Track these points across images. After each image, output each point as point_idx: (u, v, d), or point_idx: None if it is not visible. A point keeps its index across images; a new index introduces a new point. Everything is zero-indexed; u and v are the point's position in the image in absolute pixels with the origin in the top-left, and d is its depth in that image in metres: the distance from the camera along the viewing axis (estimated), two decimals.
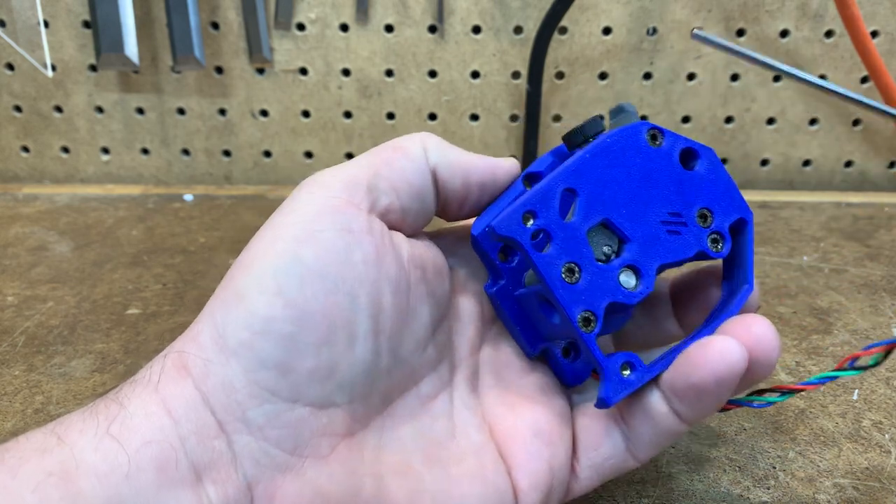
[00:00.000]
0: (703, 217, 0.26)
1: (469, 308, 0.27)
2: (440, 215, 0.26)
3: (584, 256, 0.24)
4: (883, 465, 0.29)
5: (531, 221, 0.24)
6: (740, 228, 0.27)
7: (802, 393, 0.32)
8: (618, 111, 0.28)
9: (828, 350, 0.38)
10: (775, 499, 0.27)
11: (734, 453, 0.30)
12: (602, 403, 0.24)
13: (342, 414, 0.22)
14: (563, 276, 0.24)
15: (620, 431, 0.24)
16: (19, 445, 0.19)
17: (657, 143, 0.26)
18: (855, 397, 0.33)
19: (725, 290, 0.27)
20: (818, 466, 0.29)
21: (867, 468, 0.29)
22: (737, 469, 0.29)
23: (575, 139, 0.26)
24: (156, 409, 0.20)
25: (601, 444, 0.25)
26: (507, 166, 0.26)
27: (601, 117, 0.26)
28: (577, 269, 0.24)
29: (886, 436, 0.31)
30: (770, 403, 0.25)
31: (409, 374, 0.24)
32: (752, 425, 0.32)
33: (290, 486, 0.21)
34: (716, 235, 0.26)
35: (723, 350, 0.22)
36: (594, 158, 0.25)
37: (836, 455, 0.30)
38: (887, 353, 0.23)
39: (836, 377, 0.24)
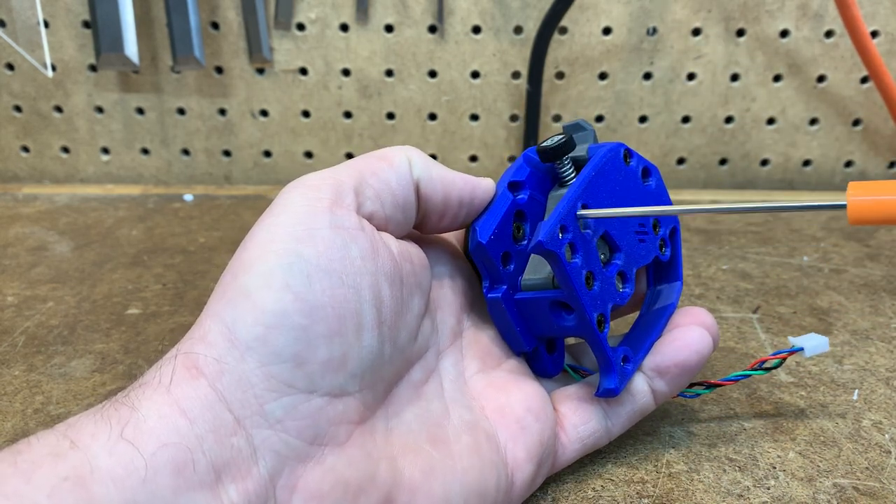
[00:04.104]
0: (655, 226, 0.30)
1: (448, 300, 0.28)
2: (417, 227, 0.27)
3: (596, 265, 0.27)
4: (883, 465, 0.29)
5: (563, 235, 0.25)
6: (673, 235, 0.31)
7: (803, 395, 0.34)
8: (576, 128, 0.30)
9: (828, 350, 0.38)
10: (775, 499, 0.27)
11: (734, 453, 0.30)
12: (609, 392, 0.27)
13: (355, 402, 0.23)
14: (585, 283, 0.26)
15: (602, 409, 0.28)
16: (31, 448, 0.18)
17: (629, 162, 0.29)
18: (855, 397, 0.33)
19: (659, 285, 0.32)
20: (818, 466, 0.29)
21: (867, 468, 0.29)
22: (737, 469, 0.29)
23: (551, 155, 0.28)
24: (169, 410, 0.20)
25: (589, 419, 0.28)
26: (485, 186, 0.28)
27: (570, 135, 0.29)
28: (592, 277, 0.26)
29: (886, 436, 0.31)
30: (698, 395, 0.31)
31: (405, 362, 0.25)
32: (752, 425, 0.32)
33: (312, 475, 0.21)
34: (662, 241, 0.31)
35: (700, 334, 0.28)
36: (597, 176, 0.27)
37: (836, 455, 0.30)
38: (784, 359, 0.30)
39: (749, 375, 0.30)
